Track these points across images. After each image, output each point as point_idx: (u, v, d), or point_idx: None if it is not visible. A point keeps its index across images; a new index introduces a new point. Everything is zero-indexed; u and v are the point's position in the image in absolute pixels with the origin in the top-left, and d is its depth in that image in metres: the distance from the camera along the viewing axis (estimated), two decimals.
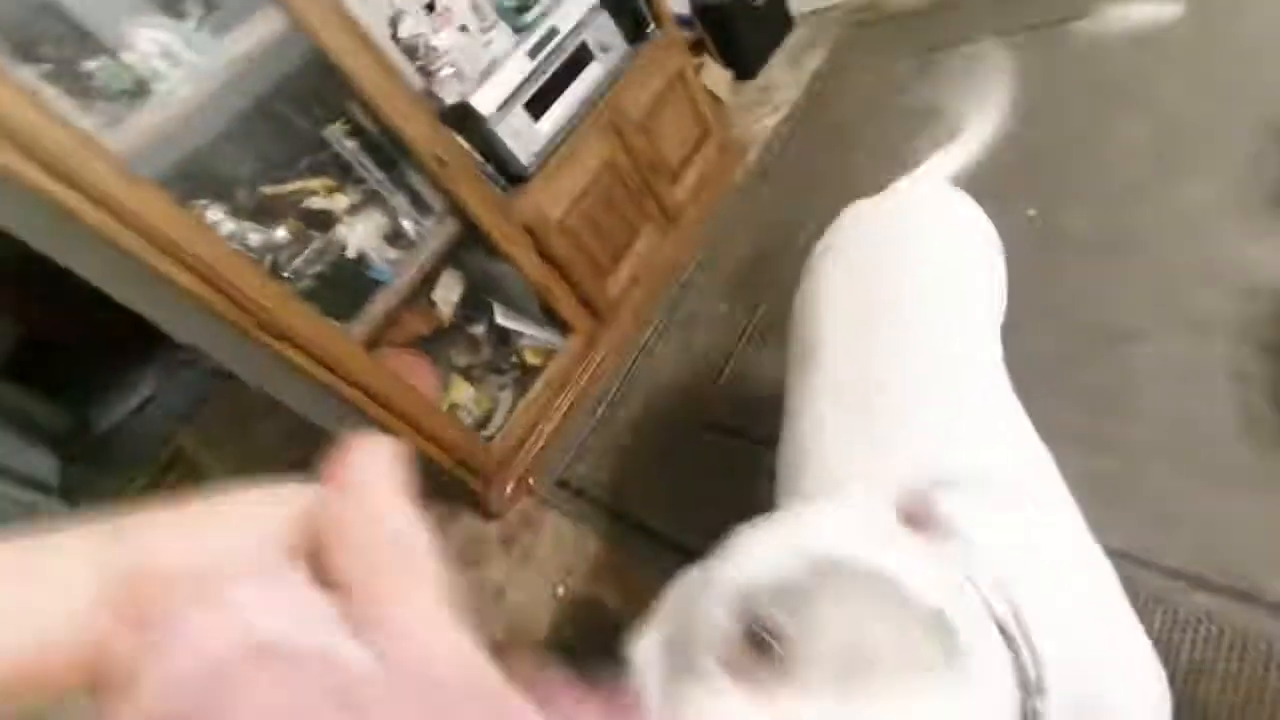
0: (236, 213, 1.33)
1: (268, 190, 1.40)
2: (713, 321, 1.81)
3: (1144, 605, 0.91)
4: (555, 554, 1.56)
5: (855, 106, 2.17)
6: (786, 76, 2.56)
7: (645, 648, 0.35)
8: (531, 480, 1.72)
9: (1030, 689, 0.35)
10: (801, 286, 0.78)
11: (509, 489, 1.70)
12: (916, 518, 0.37)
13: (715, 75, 2.54)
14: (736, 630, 0.32)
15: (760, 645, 0.30)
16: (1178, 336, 1.12)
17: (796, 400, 0.66)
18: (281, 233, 1.36)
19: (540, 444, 1.75)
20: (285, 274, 1.33)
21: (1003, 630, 0.36)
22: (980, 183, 1.14)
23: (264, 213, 1.40)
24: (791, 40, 2.75)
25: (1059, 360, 1.20)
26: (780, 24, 2.76)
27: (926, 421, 0.56)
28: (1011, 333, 1.25)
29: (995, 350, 0.68)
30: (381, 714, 0.12)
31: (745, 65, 2.65)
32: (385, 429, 1.48)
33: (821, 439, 0.59)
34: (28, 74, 1.01)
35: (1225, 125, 1.36)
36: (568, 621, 1.43)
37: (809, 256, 0.82)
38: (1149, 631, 0.79)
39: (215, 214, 1.26)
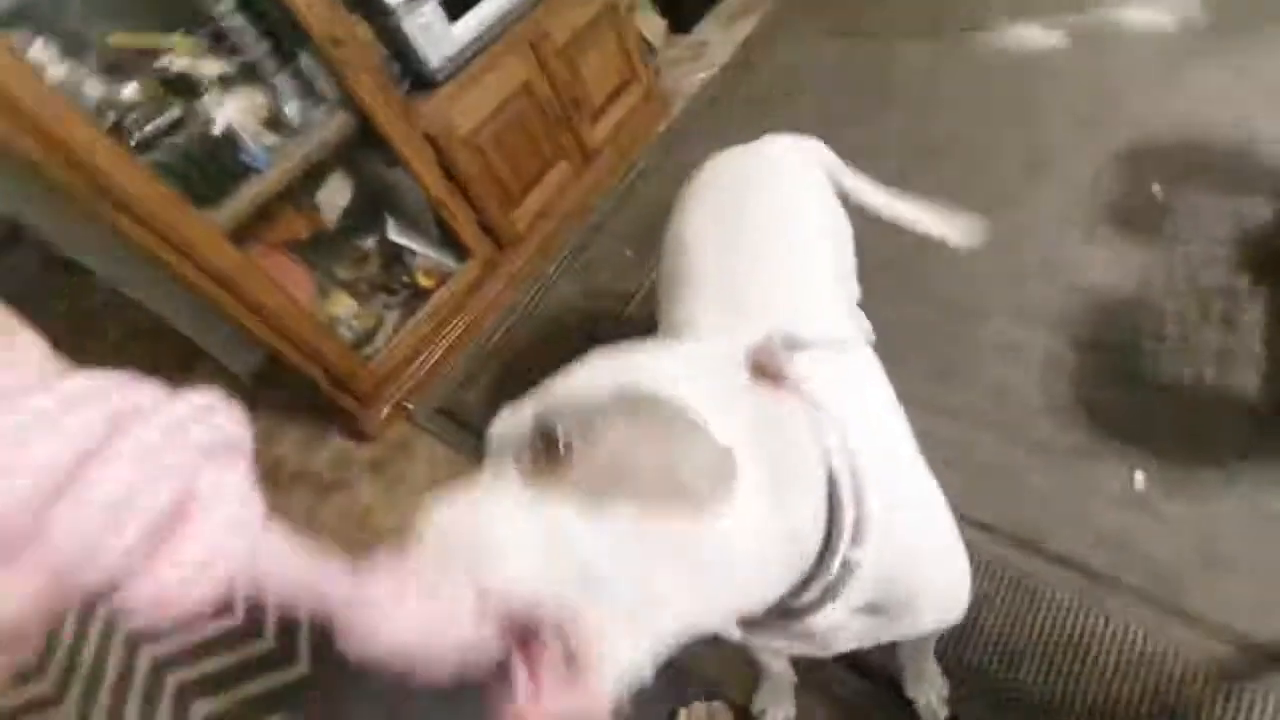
0: (73, 57, 1.13)
1: (118, 40, 1.20)
2: (617, 266, 1.81)
3: None
4: (429, 482, 1.52)
5: (778, 76, 2.21)
6: (719, 36, 2.55)
7: (497, 433, 0.38)
8: (410, 405, 1.66)
9: (853, 539, 0.39)
10: (672, 218, 0.87)
11: (385, 412, 1.63)
12: (766, 369, 0.38)
13: (651, 22, 2.48)
14: (533, 434, 0.34)
15: (549, 450, 0.32)
16: (1013, 320, 1.27)
17: (667, 314, 0.74)
18: (129, 91, 1.17)
19: (424, 369, 1.69)
20: (131, 139, 1.15)
21: (834, 482, 0.39)
22: (872, 167, 1.22)
23: (110, 68, 1.21)
24: (728, 2, 2.73)
25: (919, 328, 1.33)
26: None
27: (781, 306, 0.66)
28: (886, 302, 1.36)
29: (837, 277, 0.78)
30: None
31: (681, 19, 2.61)
32: (252, 334, 1.35)
33: (692, 335, 0.66)
34: None
35: (1082, 144, 1.53)
36: None
37: (680, 194, 0.91)
38: None
39: (40, 52, 1.06)
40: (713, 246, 0.76)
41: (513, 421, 0.37)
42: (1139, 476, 1.04)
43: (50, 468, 0.15)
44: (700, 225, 0.81)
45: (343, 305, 1.62)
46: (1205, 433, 1.05)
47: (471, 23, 1.56)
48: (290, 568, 0.22)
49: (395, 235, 1.64)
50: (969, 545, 0.56)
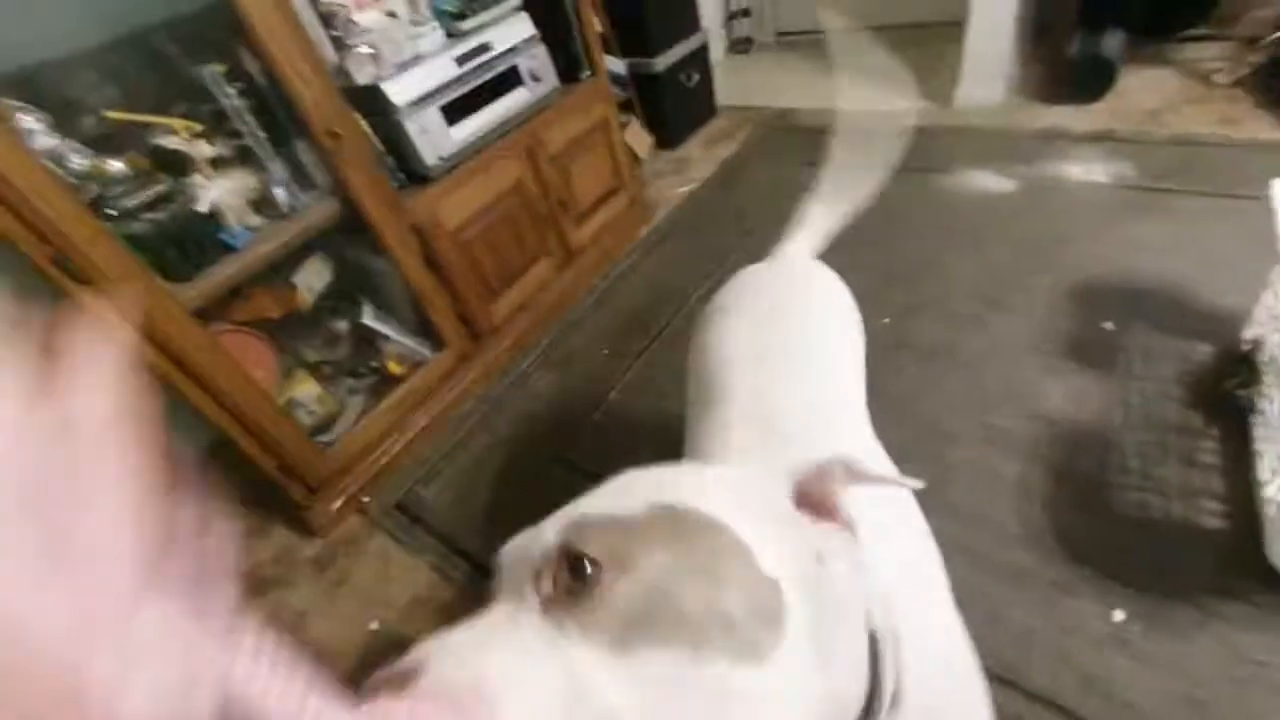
0: (63, 129, 1.13)
1: (112, 114, 1.21)
2: (592, 363, 1.81)
3: None
4: (377, 583, 1.39)
5: (754, 195, 2.36)
6: (702, 155, 2.74)
7: (511, 553, 0.33)
8: (365, 499, 1.56)
9: (888, 702, 0.34)
10: (703, 337, 0.85)
11: (337, 505, 1.52)
12: (816, 499, 0.34)
13: (638, 137, 2.66)
14: (555, 552, 0.29)
15: (574, 576, 0.28)
16: (982, 445, 1.28)
17: (700, 433, 0.70)
18: (118, 165, 1.17)
19: (384, 460, 1.60)
20: (110, 210, 1.13)
21: (876, 641, 0.34)
22: (851, 289, 1.28)
23: (104, 139, 1.21)
24: (712, 125, 2.96)
25: (893, 449, 1.32)
26: (705, 108, 2.97)
27: (818, 430, 0.63)
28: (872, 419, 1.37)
29: (861, 391, 0.77)
30: None
31: (668, 136, 2.81)
32: (198, 410, 1.27)
33: (726, 457, 0.62)
34: None
35: (1036, 280, 1.63)
36: (377, 661, 1.27)
37: (707, 310, 0.90)
38: None
39: (31, 122, 1.06)
40: (746, 360, 0.74)
41: (530, 541, 0.33)
42: (1117, 614, 1.02)
43: None
44: (733, 338, 0.79)
45: (305, 388, 1.55)
46: (1177, 568, 1.05)
47: (470, 128, 1.64)
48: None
49: (370, 320, 1.62)
50: None
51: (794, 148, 2.60)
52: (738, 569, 0.29)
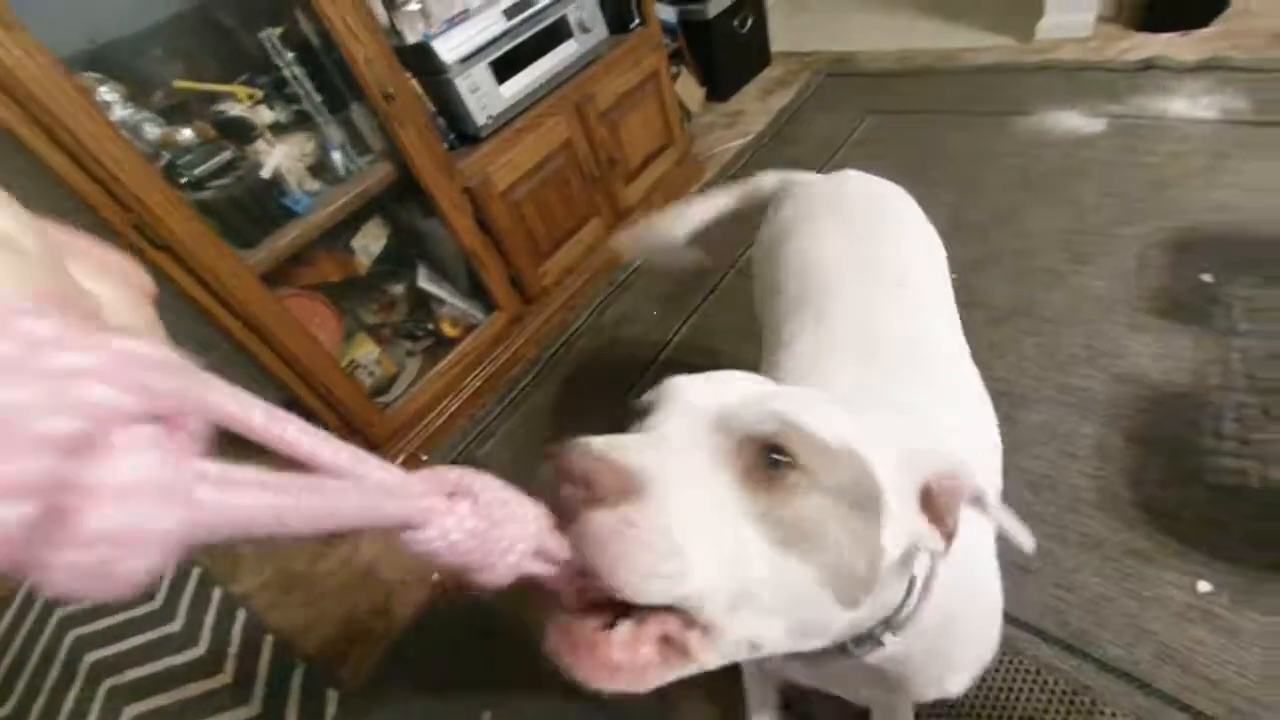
0: (137, 101, 1.18)
1: (180, 84, 1.25)
2: (642, 325, 1.79)
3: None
4: None
5: (812, 148, 2.24)
6: (756, 106, 2.62)
7: (687, 400, 0.38)
8: (423, 457, 1.62)
9: (915, 600, 0.43)
10: (789, 245, 0.83)
11: (397, 463, 1.59)
12: (934, 501, 0.38)
13: (690, 89, 2.56)
14: (762, 440, 0.34)
15: (771, 462, 0.33)
16: (1058, 408, 1.20)
17: (797, 351, 0.69)
18: (187, 133, 1.21)
19: (441, 420, 1.66)
20: (182, 179, 1.18)
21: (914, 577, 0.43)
22: None
23: (173, 110, 1.26)
24: (766, 74, 2.82)
25: None
26: (759, 56, 2.83)
27: (923, 376, 0.63)
28: None
29: (956, 318, 0.77)
30: None
31: (720, 87, 2.69)
32: (267, 371, 1.35)
33: (819, 370, 0.65)
34: None
35: (1125, 231, 1.50)
36: (437, 611, 1.34)
37: (780, 218, 0.90)
38: (995, 675, 0.86)
39: (108, 94, 1.11)
40: (847, 274, 0.73)
41: (722, 408, 0.36)
42: (1202, 585, 0.95)
43: None
44: (830, 247, 0.77)
45: (365, 349, 1.61)
46: (1272, 540, 0.97)
47: (520, 84, 1.61)
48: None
49: (425, 283, 1.65)
50: (1014, 645, 0.60)
51: (854, 94, 2.44)
52: (872, 535, 0.35)
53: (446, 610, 1.32)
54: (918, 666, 0.50)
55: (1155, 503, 1.05)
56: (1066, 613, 0.97)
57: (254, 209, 1.28)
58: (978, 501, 0.39)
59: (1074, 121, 1.88)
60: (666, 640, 0.31)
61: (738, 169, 2.27)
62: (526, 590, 0.30)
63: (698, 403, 0.37)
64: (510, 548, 0.25)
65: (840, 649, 0.43)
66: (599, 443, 0.32)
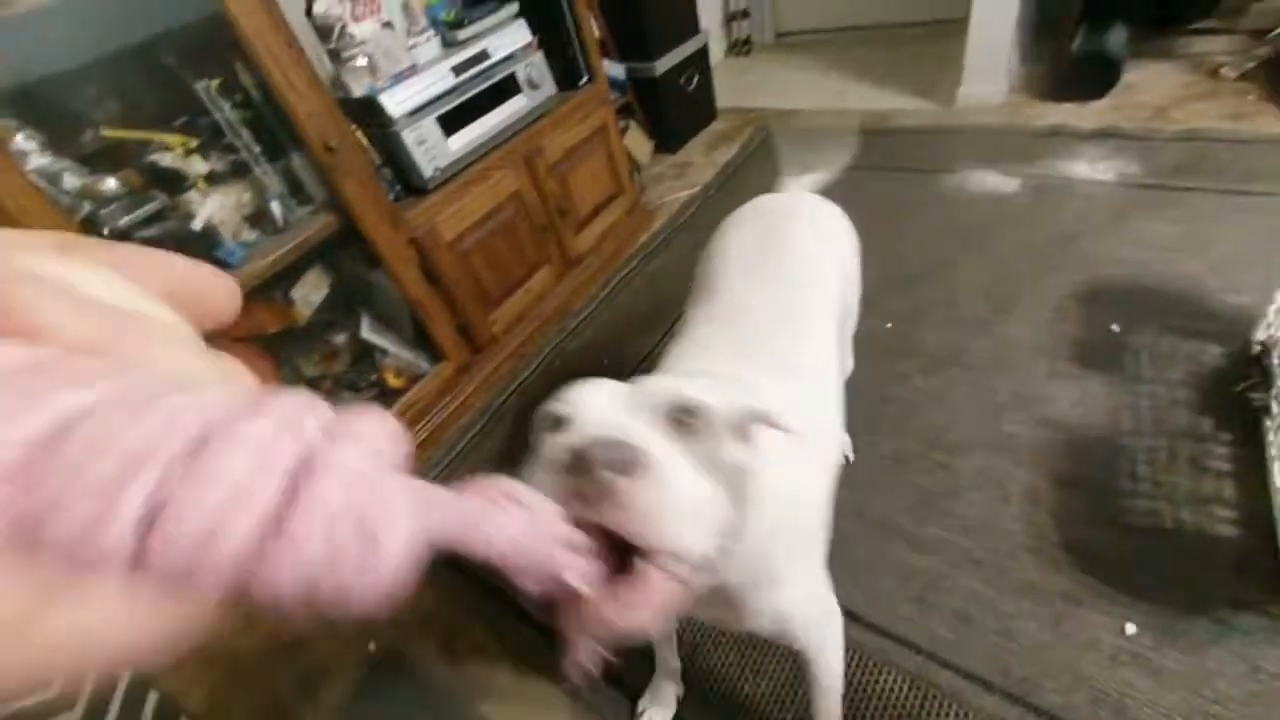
0: (58, 147, 1.13)
1: (109, 132, 1.20)
2: (593, 372, 1.79)
3: (940, 703, 0.96)
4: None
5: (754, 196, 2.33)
6: (702, 159, 2.72)
7: (590, 403, 0.47)
8: None
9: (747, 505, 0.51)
10: (709, 244, 1.01)
11: None
12: (743, 429, 0.50)
13: (639, 141, 2.64)
14: (675, 407, 0.44)
15: (681, 423, 0.44)
16: (990, 454, 1.26)
17: (689, 323, 0.87)
18: (112, 183, 1.16)
19: None
20: (104, 230, 1.13)
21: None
22: None
23: (98, 157, 1.20)
24: (712, 128, 2.95)
25: (897, 460, 1.31)
26: (705, 111, 2.96)
27: (781, 345, 0.79)
28: (864, 430, 1.35)
29: (836, 311, 0.90)
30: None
31: (668, 139, 2.79)
32: None
33: (698, 347, 0.81)
34: None
35: (1042, 281, 1.61)
36: (367, 680, 1.26)
37: (722, 223, 1.06)
38: None
39: (26, 142, 1.06)
40: (734, 266, 0.89)
41: (611, 397, 0.47)
42: (1129, 627, 0.99)
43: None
44: (732, 246, 0.94)
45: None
46: (1190, 579, 1.02)
47: (468, 137, 1.63)
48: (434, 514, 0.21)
49: (368, 333, 1.61)
50: (959, 695, 0.67)
51: (794, 150, 2.58)
52: (726, 453, 0.46)
53: (380, 679, 1.24)
54: (753, 576, 0.61)
55: (1081, 544, 1.10)
56: (1008, 660, 0.99)
57: None
58: (765, 421, 0.53)
59: (992, 180, 2.04)
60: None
61: (686, 218, 2.34)
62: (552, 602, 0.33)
63: (606, 401, 0.46)
64: (542, 537, 0.27)
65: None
66: (607, 432, 0.40)
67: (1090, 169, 1.95)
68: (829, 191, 1.20)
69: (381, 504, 0.16)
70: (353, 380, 1.68)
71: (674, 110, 2.75)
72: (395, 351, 1.65)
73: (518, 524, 0.25)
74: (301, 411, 0.16)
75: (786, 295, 0.85)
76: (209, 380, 0.18)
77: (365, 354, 1.67)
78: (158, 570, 0.13)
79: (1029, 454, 1.24)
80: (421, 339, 1.67)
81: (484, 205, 1.68)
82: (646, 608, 0.34)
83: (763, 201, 1.06)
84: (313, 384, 1.60)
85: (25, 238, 0.16)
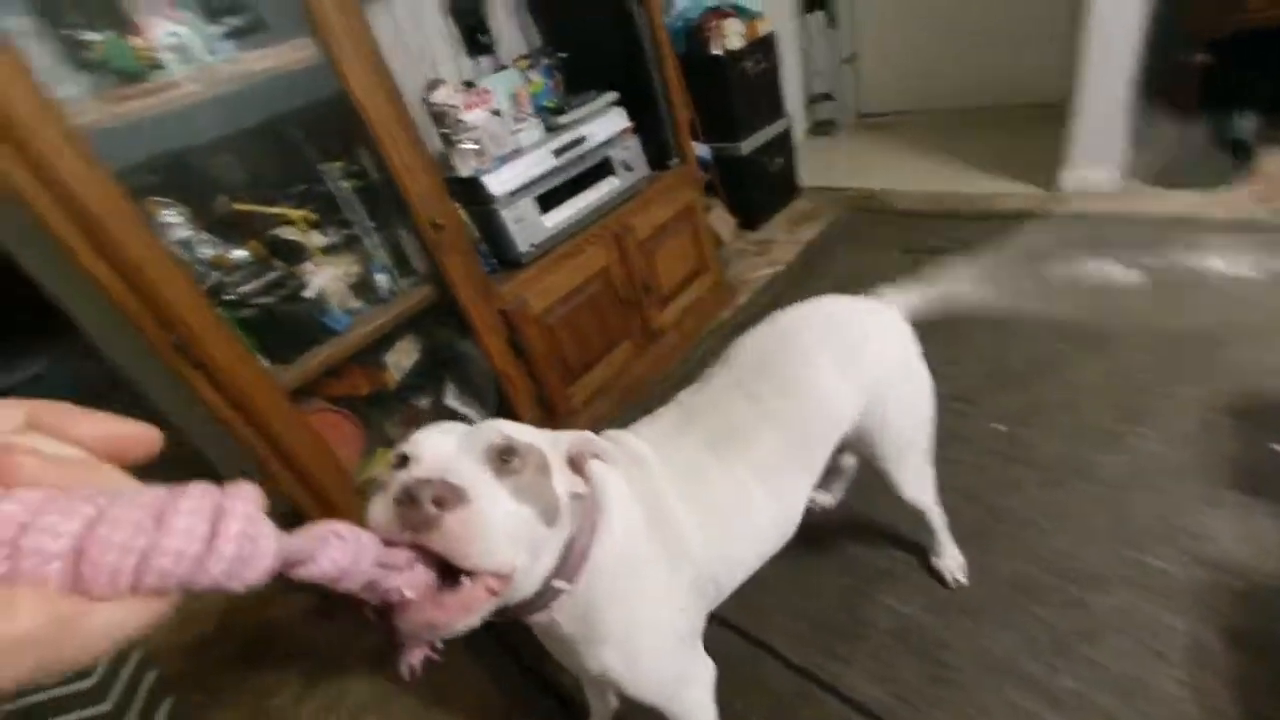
0: (197, 220, 1.22)
1: (240, 206, 1.29)
2: None
3: None
4: (436, 684, 1.32)
5: (839, 280, 2.27)
6: (785, 237, 2.70)
7: (431, 442, 0.54)
8: None
9: (568, 565, 0.62)
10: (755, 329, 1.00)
11: None
12: (575, 461, 0.63)
13: (722, 219, 2.66)
14: (496, 450, 0.53)
15: (503, 460, 0.53)
16: (1137, 594, 1.08)
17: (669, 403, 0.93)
18: (240, 253, 1.24)
19: None
20: (228, 296, 1.19)
21: (573, 538, 0.63)
22: (949, 381, 1.14)
23: (230, 227, 1.30)
24: (795, 206, 2.94)
25: (1016, 587, 1.15)
26: (789, 189, 2.96)
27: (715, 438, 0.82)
28: (975, 545, 1.21)
29: (804, 436, 0.86)
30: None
31: (751, 217, 2.80)
32: (278, 487, 1.28)
33: (650, 417, 0.90)
34: (16, 24, 0.92)
35: (1179, 390, 1.43)
36: None
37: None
38: None
39: (172, 215, 1.15)
40: (725, 377, 0.91)
41: (449, 439, 0.54)
42: None
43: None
44: (742, 348, 0.95)
45: (385, 464, 1.55)
46: None
47: (562, 215, 1.67)
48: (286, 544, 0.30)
49: (452, 400, 1.62)
50: None
51: (881, 231, 2.51)
52: (550, 482, 0.57)
53: None
54: (579, 627, 0.67)
55: None
56: None
57: (294, 326, 1.28)
58: (596, 455, 0.63)
59: (1108, 271, 1.88)
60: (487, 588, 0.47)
61: (771, 296, 2.30)
62: (375, 611, 0.43)
63: (445, 442, 0.53)
64: (363, 562, 0.35)
65: (538, 601, 0.61)
66: (427, 470, 0.48)
67: (1227, 264, 1.77)
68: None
69: (257, 531, 0.26)
70: None
71: (757, 189, 2.76)
72: (475, 419, 1.64)
73: (341, 552, 0.33)
74: (208, 488, 0.26)
75: (761, 412, 0.84)
76: (136, 486, 0.26)
77: (446, 420, 1.67)
78: (145, 587, 0.23)
79: (1188, 599, 1.05)
80: (503, 408, 1.67)
81: (573, 280, 1.70)
82: (463, 610, 0.44)
83: (810, 306, 1.01)
84: (394, 445, 1.61)
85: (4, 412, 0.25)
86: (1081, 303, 1.79)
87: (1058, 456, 1.37)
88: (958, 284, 1.14)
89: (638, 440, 0.80)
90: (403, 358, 1.60)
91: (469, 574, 0.45)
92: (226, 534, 0.25)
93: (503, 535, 0.47)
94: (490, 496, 0.48)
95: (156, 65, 1.01)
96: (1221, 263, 1.78)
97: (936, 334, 1.08)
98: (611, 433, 0.83)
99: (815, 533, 1.37)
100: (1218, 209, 2.00)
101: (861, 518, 1.38)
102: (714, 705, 0.83)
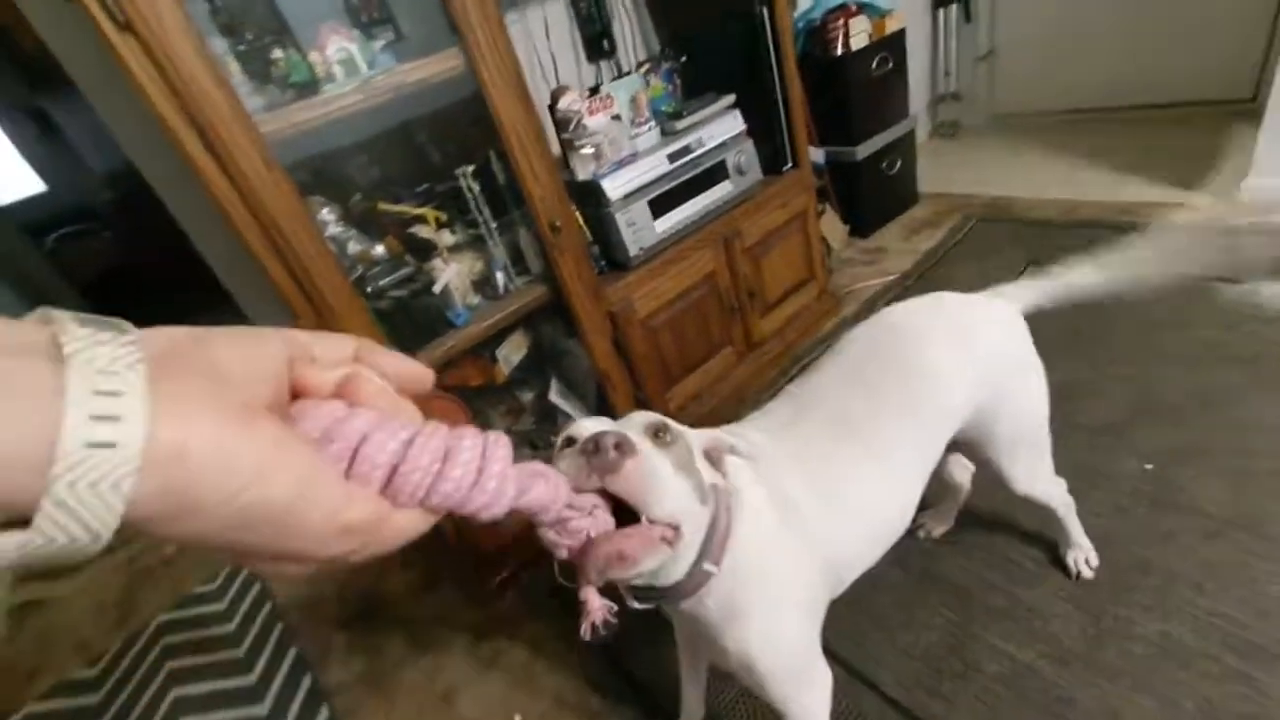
0: (346, 218, 1.34)
1: (382, 205, 1.41)
2: None
3: None
4: (525, 668, 1.38)
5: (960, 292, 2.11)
6: (899, 245, 2.56)
7: (588, 427, 0.60)
8: (525, 576, 1.57)
9: (713, 548, 0.67)
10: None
11: (499, 578, 1.55)
12: (711, 455, 0.68)
13: (833, 225, 2.57)
14: (652, 427, 0.62)
15: (657, 436, 0.61)
16: None
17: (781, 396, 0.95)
18: (380, 249, 1.35)
19: None
20: (368, 289, 1.30)
21: (715, 522, 0.67)
22: (1085, 411, 1.01)
23: (370, 225, 1.42)
24: (912, 214, 2.78)
25: (1165, 653, 1.02)
26: (906, 196, 2.81)
27: (829, 439, 0.84)
28: (1111, 598, 1.09)
29: (921, 427, 0.87)
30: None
31: (862, 224, 2.68)
32: None
33: (759, 412, 0.93)
34: (221, 45, 1.06)
35: None
36: None
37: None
38: None
39: (327, 214, 1.27)
40: (836, 367, 0.92)
41: (606, 422, 0.61)
42: None
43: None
44: (849, 344, 0.96)
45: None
46: None
47: (673, 219, 1.68)
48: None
49: (555, 397, 1.68)
50: None
51: (1008, 242, 2.31)
52: (695, 464, 0.63)
53: None
54: (724, 609, 0.70)
55: None
56: None
57: (423, 319, 1.37)
58: (731, 450, 0.69)
59: None
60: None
61: (879, 306, 2.19)
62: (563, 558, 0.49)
63: (603, 421, 0.60)
64: (560, 498, 0.40)
65: (689, 584, 0.66)
66: (612, 429, 0.55)
67: None
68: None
69: (509, 472, 0.32)
70: (532, 438, 1.75)
71: (872, 195, 2.64)
72: (576, 417, 1.69)
73: (545, 487, 0.38)
74: (477, 433, 0.32)
75: (870, 407, 0.85)
76: (422, 418, 0.31)
77: (548, 415, 1.74)
78: (430, 505, 0.29)
79: None
80: (602, 407, 1.71)
81: (680, 284, 1.70)
82: (644, 543, 0.51)
83: (926, 300, 1.01)
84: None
85: (332, 345, 0.31)
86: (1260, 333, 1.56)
87: (1221, 505, 1.20)
88: (1088, 275, 1.08)
89: (755, 431, 0.84)
90: (512, 353, 1.67)
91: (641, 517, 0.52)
92: (489, 472, 0.30)
93: (670, 486, 0.55)
94: (657, 455, 0.56)
95: (329, 78, 1.12)
96: None
97: (1078, 358, 0.99)
98: (729, 427, 0.85)
99: (924, 562, 1.29)
100: None
101: (976, 549, 1.28)
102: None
